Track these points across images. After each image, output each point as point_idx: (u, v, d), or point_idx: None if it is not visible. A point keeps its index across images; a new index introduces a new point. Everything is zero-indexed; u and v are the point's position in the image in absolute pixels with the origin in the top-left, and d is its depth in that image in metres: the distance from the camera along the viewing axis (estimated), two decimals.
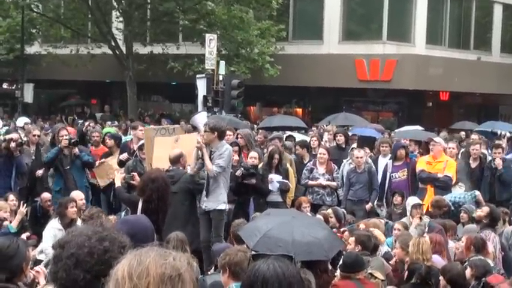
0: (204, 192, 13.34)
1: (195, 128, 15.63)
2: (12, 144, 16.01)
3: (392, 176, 17.68)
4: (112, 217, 13.35)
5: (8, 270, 6.06)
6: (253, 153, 15.87)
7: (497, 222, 13.55)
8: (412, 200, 15.01)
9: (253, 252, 7.96)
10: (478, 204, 15.59)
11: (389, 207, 17.38)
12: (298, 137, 22.16)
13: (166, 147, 15.29)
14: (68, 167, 16.24)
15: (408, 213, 14.50)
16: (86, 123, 22.16)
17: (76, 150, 16.41)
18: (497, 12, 45.01)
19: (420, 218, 14.17)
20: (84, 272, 3.22)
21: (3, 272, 5.99)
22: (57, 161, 16.08)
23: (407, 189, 16.70)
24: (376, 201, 17.71)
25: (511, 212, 15.09)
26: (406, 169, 17.53)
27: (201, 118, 14.66)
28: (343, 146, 19.69)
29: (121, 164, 16.74)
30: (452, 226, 13.62)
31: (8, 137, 16.67)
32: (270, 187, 15.92)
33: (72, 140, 16.57)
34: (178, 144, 15.53)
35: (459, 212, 14.95)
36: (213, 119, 16.54)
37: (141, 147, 16.19)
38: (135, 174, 14.11)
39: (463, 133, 27.80)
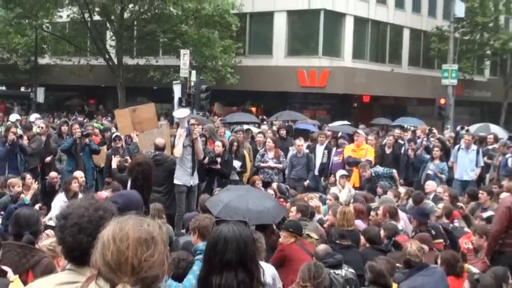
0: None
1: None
2: (11, 135, 16.04)
3: (333, 159, 17.86)
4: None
5: (33, 232, 6.05)
6: (218, 143, 15.84)
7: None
8: (340, 172, 15.32)
9: (216, 219, 7.94)
10: (393, 179, 16.01)
11: (325, 183, 17.58)
12: (255, 130, 22.19)
13: (126, 116, 16.66)
14: (81, 153, 16.43)
15: (338, 182, 14.74)
16: (81, 119, 22.14)
17: (87, 140, 16.60)
18: (406, 34, 45.49)
19: (343, 187, 14.53)
20: (86, 236, 3.22)
21: (31, 233, 5.98)
22: (72, 148, 16.22)
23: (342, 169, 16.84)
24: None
25: (416, 189, 15.20)
26: (341, 155, 17.71)
27: (183, 112, 14.68)
28: (285, 137, 19.83)
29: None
30: (371, 197, 13.72)
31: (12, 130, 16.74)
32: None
33: (84, 133, 16.83)
34: (136, 113, 16.57)
35: (377, 181, 15.50)
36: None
37: (114, 139, 16.42)
38: (127, 158, 14.21)
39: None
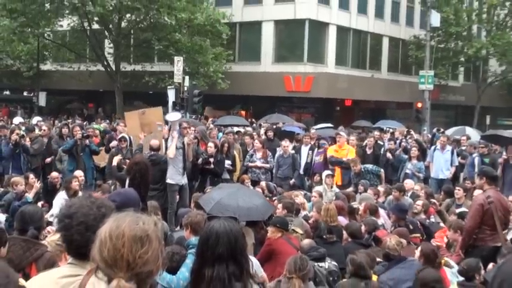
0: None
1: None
2: (15, 136, 16.01)
3: (315, 159, 17.88)
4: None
5: (37, 228, 6.06)
6: (210, 144, 15.90)
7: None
8: (326, 172, 15.35)
9: (208, 215, 7.94)
10: (379, 178, 16.21)
11: (309, 182, 17.59)
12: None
13: (135, 118, 16.63)
14: (81, 154, 16.38)
15: (324, 182, 14.77)
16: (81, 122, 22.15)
17: (87, 141, 16.57)
18: (385, 42, 45.65)
19: (331, 187, 14.56)
20: (93, 233, 3.21)
21: (35, 229, 6.00)
22: (73, 149, 16.21)
23: (322, 168, 16.83)
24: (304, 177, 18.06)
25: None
26: (323, 155, 17.74)
27: (174, 116, 14.69)
28: (272, 139, 19.84)
29: (108, 150, 16.94)
30: (353, 195, 13.72)
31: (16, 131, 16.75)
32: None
33: (84, 134, 16.80)
34: (145, 115, 16.62)
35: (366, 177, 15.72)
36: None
37: (120, 139, 16.34)
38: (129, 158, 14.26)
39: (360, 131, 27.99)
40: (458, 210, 12.17)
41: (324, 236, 9.14)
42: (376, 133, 21.39)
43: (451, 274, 8.08)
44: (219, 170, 15.56)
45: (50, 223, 9.39)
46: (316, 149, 18.34)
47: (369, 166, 16.63)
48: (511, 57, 44.23)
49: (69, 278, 3.27)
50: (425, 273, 6.44)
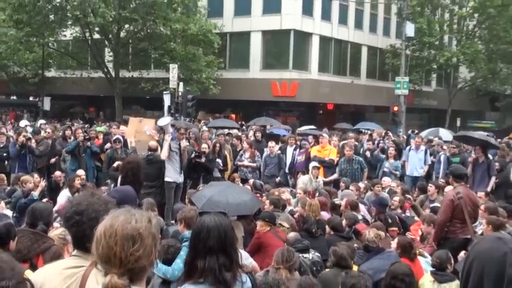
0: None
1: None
2: (21, 138, 16.13)
3: (297, 159, 17.88)
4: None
5: (46, 223, 6.08)
6: (204, 145, 16.02)
7: None
8: (313, 163, 15.40)
9: (200, 211, 7.94)
10: (362, 173, 16.54)
11: (293, 179, 17.59)
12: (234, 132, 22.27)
13: (134, 124, 17.39)
14: (83, 154, 16.42)
15: (310, 172, 14.84)
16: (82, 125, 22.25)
17: (88, 143, 16.59)
18: (364, 51, 45.84)
19: (317, 177, 14.69)
20: None
21: (44, 224, 6.01)
22: (76, 150, 16.27)
23: (304, 167, 16.85)
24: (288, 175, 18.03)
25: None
26: (304, 155, 17.73)
27: (164, 120, 14.64)
28: (260, 140, 19.87)
29: (104, 150, 17.08)
30: (334, 192, 13.74)
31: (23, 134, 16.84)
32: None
33: (86, 136, 16.95)
34: (142, 123, 17.15)
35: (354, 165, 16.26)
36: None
37: (115, 141, 16.48)
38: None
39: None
40: (431, 205, 12.28)
41: (313, 230, 9.14)
42: (351, 134, 21.49)
43: (425, 263, 8.18)
44: (210, 166, 15.69)
45: (54, 219, 9.37)
46: (298, 149, 18.38)
47: (360, 158, 16.93)
48: (479, 65, 44.46)
49: (73, 269, 3.28)
50: (396, 266, 6.46)
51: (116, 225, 2.67)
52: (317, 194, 13.39)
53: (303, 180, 14.74)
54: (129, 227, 2.68)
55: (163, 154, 13.17)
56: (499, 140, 22.72)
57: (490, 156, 15.79)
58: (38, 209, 6.26)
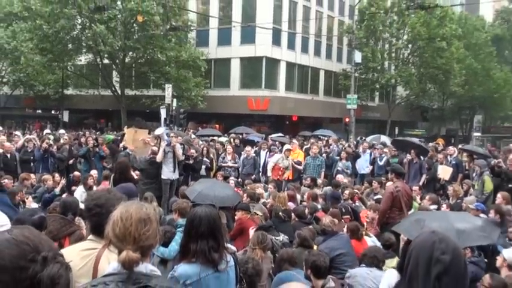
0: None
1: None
2: (45, 144, 16.07)
3: (267, 160, 17.87)
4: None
5: (74, 213, 6.07)
6: (192, 150, 15.91)
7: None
8: (286, 146, 15.72)
9: (192, 203, 7.91)
10: (320, 169, 16.69)
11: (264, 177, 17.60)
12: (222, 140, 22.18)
13: (131, 133, 16.89)
14: (93, 158, 16.49)
15: (283, 153, 15.46)
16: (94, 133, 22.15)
17: (97, 149, 16.70)
18: (322, 74, 46.09)
19: (287, 157, 15.54)
20: None
21: (72, 214, 6.00)
22: (87, 154, 16.42)
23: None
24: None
25: (329, 181, 15.37)
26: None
27: (160, 130, 14.57)
28: (239, 145, 19.84)
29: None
30: (298, 187, 13.75)
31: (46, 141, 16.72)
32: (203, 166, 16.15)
33: (95, 143, 17.05)
34: (137, 133, 16.65)
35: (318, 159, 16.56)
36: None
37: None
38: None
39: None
40: (375, 197, 12.35)
41: (280, 213, 9.14)
42: (312, 140, 21.66)
43: (371, 242, 8.26)
44: (197, 167, 15.68)
45: None
46: (268, 153, 18.38)
47: (323, 158, 17.24)
48: (412, 85, 45.01)
49: (89, 250, 3.30)
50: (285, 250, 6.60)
51: (130, 211, 2.67)
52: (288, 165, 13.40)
53: (277, 157, 14.94)
54: (142, 212, 2.68)
55: (159, 157, 13.11)
56: (428, 144, 22.96)
57: (422, 158, 15.98)
58: (68, 202, 6.31)
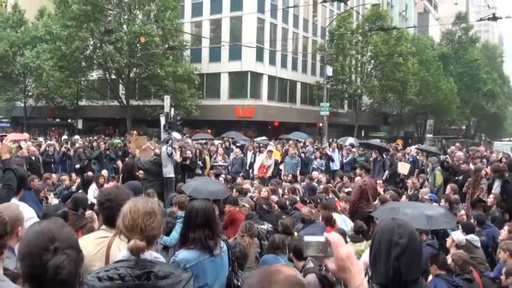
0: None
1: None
2: (63, 148, 16.11)
3: (252, 160, 17.86)
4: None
5: (84, 208, 6.00)
6: (188, 152, 15.80)
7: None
8: (269, 147, 15.76)
9: (189, 197, 7.89)
10: (297, 166, 16.73)
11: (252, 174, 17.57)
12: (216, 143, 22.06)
13: (133, 140, 16.57)
14: (104, 160, 16.40)
15: (266, 153, 15.63)
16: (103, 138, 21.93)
17: (107, 152, 16.65)
18: (298, 85, 46.16)
19: (270, 157, 15.57)
20: None
21: (83, 209, 5.93)
22: (99, 156, 16.39)
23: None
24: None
25: (305, 176, 15.38)
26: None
27: (178, 135, 14.55)
28: (228, 147, 19.61)
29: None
30: (280, 183, 13.73)
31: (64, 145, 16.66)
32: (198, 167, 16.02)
33: (106, 147, 17.04)
34: (138, 140, 16.23)
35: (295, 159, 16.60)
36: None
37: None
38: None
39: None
40: (346, 190, 12.39)
41: (264, 206, 9.15)
42: (291, 142, 21.69)
43: (342, 220, 8.33)
44: (193, 167, 15.57)
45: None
46: (254, 153, 18.33)
47: (299, 158, 17.19)
48: (375, 95, 45.25)
49: (101, 239, 3.28)
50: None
51: (138, 205, 2.66)
52: (269, 173, 13.61)
53: (261, 157, 14.94)
54: (148, 206, 2.67)
55: (178, 158, 13.09)
56: (389, 144, 23.14)
57: (384, 156, 16.10)
58: (78, 198, 6.19)
